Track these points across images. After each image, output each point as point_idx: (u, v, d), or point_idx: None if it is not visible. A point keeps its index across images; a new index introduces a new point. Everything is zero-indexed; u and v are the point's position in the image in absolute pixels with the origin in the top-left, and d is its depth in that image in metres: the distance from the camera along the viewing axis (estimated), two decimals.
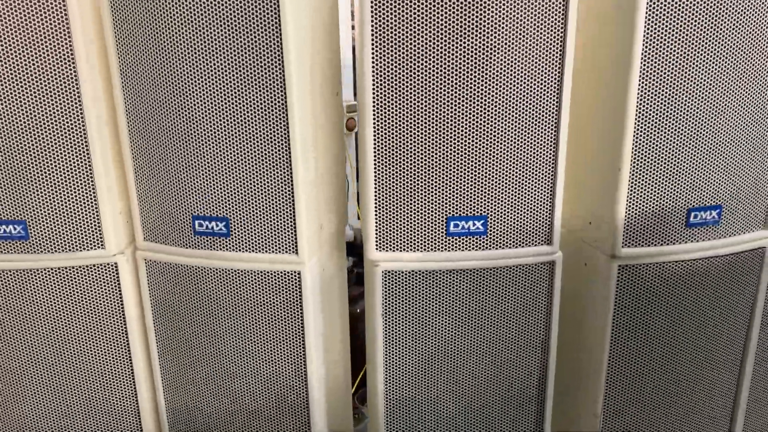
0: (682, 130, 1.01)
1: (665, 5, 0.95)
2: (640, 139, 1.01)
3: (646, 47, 0.97)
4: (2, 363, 1.15)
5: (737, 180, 1.07)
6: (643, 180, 1.03)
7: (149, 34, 0.97)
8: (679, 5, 0.95)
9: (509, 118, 1.00)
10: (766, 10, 0.98)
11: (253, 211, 1.04)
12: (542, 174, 1.04)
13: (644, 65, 0.97)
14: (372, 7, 0.94)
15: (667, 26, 0.96)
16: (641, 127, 1.01)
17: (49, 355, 1.14)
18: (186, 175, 1.04)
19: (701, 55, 0.98)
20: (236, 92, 0.98)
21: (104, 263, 1.10)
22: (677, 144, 1.02)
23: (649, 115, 1.00)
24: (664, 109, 1.00)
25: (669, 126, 1.01)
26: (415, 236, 1.06)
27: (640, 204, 1.05)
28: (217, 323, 1.12)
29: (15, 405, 1.18)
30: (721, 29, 0.97)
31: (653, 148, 1.02)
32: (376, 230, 1.06)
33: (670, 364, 1.15)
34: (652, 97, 0.99)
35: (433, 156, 1.01)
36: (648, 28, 0.96)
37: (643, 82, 0.98)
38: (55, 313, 1.12)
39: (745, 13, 0.97)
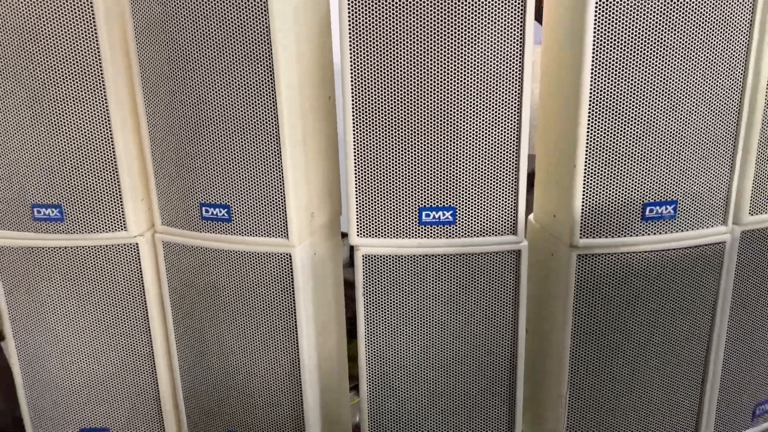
0: (634, 127, 1.11)
1: (613, 5, 1.05)
2: (594, 137, 1.11)
3: (596, 48, 1.06)
4: (37, 329, 1.34)
5: (693, 176, 1.16)
6: (598, 175, 1.13)
7: (163, 47, 1.14)
8: (626, 4, 1.05)
9: (474, 120, 1.12)
10: (713, 4, 1.07)
11: (250, 199, 1.19)
12: (506, 170, 1.15)
13: (595, 66, 1.07)
14: (350, 16, 1.08)
15: (615, 27, 1.06)
16: (594, 126, 1.10)
17: (76, 324, 1.33)
18: (194, 167, 1.20)
19: (650, 54, 1.07)
20: (235, 97, 1.13)
21: (126, 244, 1.28)
22: (630, 141, 1.11)
23: (602, 114, 1.10)
24: (616, 108, 1.10)
25: (621, 124, 1.10)
26: (391, 224, 1.19)
27: (595, 198, 1.14)
28: (221, 299, 1.27)
29: (45, 370, 1.37)
30: (668, 27, 1.06)
31: (606, 145, 1.11)
32: (357, 218, 1.19)
33: (631, 350, 1.24)
34: (603, 97, 1.09)
35: (406, 152, 1.14)
36: (597, 29, 1.06)
37: (594, 82, 1.08)
38: (84, 286, 1.30)
39: (692, 7, 1.06)
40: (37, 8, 1.13)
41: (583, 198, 1.14)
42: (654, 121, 1.11)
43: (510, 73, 1.10)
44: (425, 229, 1.19)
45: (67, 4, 1.12)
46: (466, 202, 1.17)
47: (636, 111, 1.10)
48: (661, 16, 1.05)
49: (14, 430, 2.33)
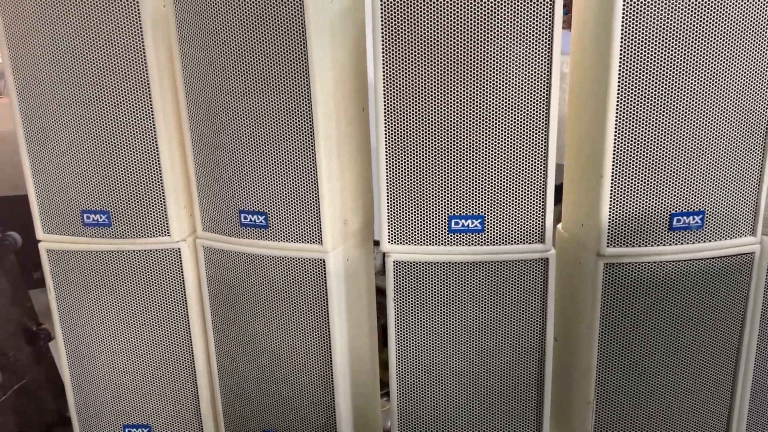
0: (662, 137, 1.13)
1: (640, 16, 1.07)
2: (621, 147, 1.13)
3: (623, 58, 1.09)
4: (85, 329, 1.42)
5: (721, 187, 1.17)
6: (625, 185, 1.15)
7: (205, 62, 1.21)
8: (654, 14, 1.07)
9: (502, 131, 1.15)
10: (744, 16, 1.09)
11: (286, 206, 1.25)
12: (533, 179, 1.18)
13: (622, 76, 1.10)
14: (383, 31, 1.13)
15: (643, 38, 1.08)
16: (621, 136, 1.13)
17: (122, 325, 1.39)
18: (234, 176, 1.26)
19: (677, 64, 1.09)
20: (273, 109, 1.19)
21: (170, 248, 1.34)
22: (658, 151, 1.13)
23: (629, 124, 1.12)
24: (644, 118, 1.12)
25: (649, 134, 1.13)
26: (421, 232, 1.23)
27: (623, 207, 1.17)
28: (258, 302, 1.33)
29: (92, 369, 1.44)
30: (697, 38, 1.08)
31: (634, 155, 1.14)
32: (388, 226, 1.23)
33: (658, 360, 1.25)
34: (630, 107, 1.11)
35: (436, 162, 1.18)
36: (624, 40, 1.08)
37: (621, 92, 1.11)
38: (129, 289, 1.37)
39: (723, 18, 1.08)
40: (89, 25, 1.21)
41: (611, 207, 1.17)
42: (681, 131, 1.13)
43: (538, 85, 1.14)
44: (454, 237, 1.22)
45: (116, 23, 1.20)
46: (494, 211, 1.20)
47: (663, 121, 1.12)
48: (689, 25, 1.07)
49: (61, 428, 2.42)
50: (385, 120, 1.18)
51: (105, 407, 1.46)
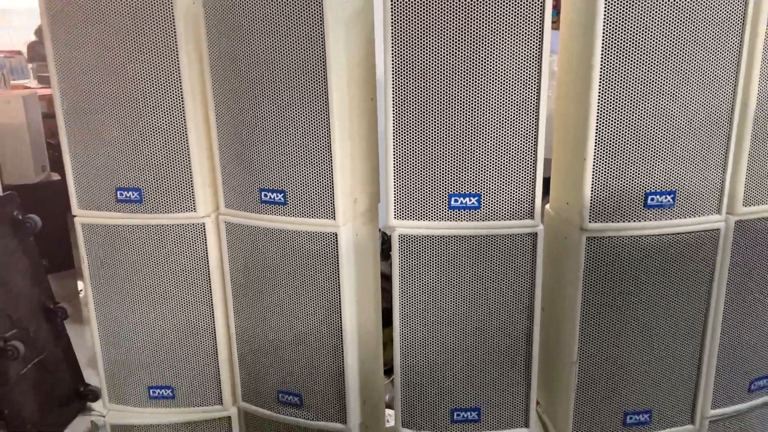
0: (638, 125, 1.28)
1: (620, 15, 1.22)
2: (602, 133, 1.28)
3: (605, 54, 1.24)
4: (115, 299, 1.55)
5: (690, 169, 1.32)
6: (605, 167, 1.30)
7: (230, 56, 1.35)
8: (632, 14, 1.22)
9: (497, 119, 1.30)
10: (711, 16, 1.24)
11: (303, 185, 1.39)
12: (525, 162, 1.33)
13: (603, 72, 1.25)
14: (392, 30, 1.27)
15: (621, 40, 1.23)
16: (602, 125, 1.28)
17: (149, 293, 1.53)
18: (255, 157, 1.40)
19: (653, 61, 1.24)
20: (292, 97, 1.33)
21: (195, 223, 1.48)
22: (634, 137, 1.28)
23: (609, 113, 1.27)
24: (622, 108, 1.27)
25: (626, 122, 1.28)
26: (424, 208, 1.37)
27: (603, 187, 1.31)
28: (275, 273, 1.47)
29: (120, 335, 1.57)
30: (668, 35, 1.23)
31: (613, 140, 1.29)
32: (395, 202, 1.38)
33: (635, 324, 1.40)
34: (610, 98, 1.26)
35: (438, 146, 1.32)
36: (605, 43, 1.23)
37: (602, 85, 1.25)
38: (157, 260, 1.50)
39: (692, 17, 1.23)
40: (126, 16, 1.34)
41: (593, 187, 1.31)
42: (655, 120, 1.28)
43: (529, 80, 1.28)
44: (454, 213, 1.37)
45: (151, 16, 1.34)
46: (489, 190, 1.34)
47: (639, 111, 1.27)
48: (662, 24, 1.22)
49: (77, 401, 2.55)
50: (393, 109, 1.32)
51: (132, 371, 1.60)
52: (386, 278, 1.64)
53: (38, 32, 7.51)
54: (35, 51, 7.55)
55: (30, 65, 7.43)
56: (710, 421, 1.54)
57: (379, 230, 1.77)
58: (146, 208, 1.47)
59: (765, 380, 1.57)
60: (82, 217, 1.50)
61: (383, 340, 1.77)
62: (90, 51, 1.38)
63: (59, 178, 3.98)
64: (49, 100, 5.25)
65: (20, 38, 7.67)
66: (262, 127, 1.37)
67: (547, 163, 1.43)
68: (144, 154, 1.43)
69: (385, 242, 2.44)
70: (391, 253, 1.41)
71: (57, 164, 4.23)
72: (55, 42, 1.40)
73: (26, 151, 3.66)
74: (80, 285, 3.89)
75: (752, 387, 1.57)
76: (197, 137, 1.42)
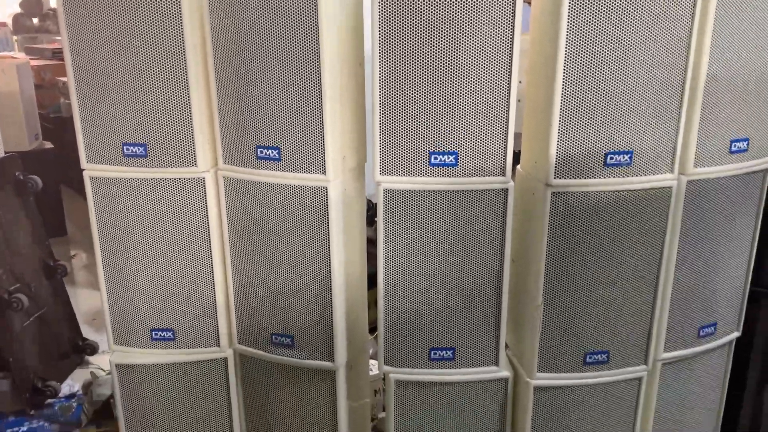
0: (598, 91, 1.42)
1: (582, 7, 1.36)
2: (566, 99, 1.42)
3: (570, 30, 1.37)
4: (121, 248, 1.68)
5: (646, 132, 1.47)
6: (569, 129, 1.45)
7: (229, 21, 1.47)
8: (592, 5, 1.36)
9: (474, 83, 1.43)
10: None
11: (297, 142, 1.52)
12: (498, 123, 1.47)
13: (568, 46, 1.39)
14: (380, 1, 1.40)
15: (583, 18, 1.37)
16: (567, 92, 1.42)
17: (153, 243, 1.66)
18: (252, 116, 1.53)
19: (612, 32, 1.38)
20: (287, 59, 1.46)
21: (196, 177, 1.60)
22: (595, 102, 1.43)
23: (572, 80, 1.41)
24: (583, 77, 1.41)
25: (588, 89, 1.42)
26: (407, 165, 1.51)
27: (567, 147, 1.46)
28: (270, 225, 1.60)
29: (125, 282, 1.70)
30: (624, 10, 1.37)
31: (576, 105, 1.43)
32: (380, 159, 1.51)
33: (595, 272, 1.56)
34: (574, 67, 1.40)
35: (420, 108, 1.46)
36: (570, 20, 1.37)
37: (568, 55, 1.39)
38: (161, 212, 1.63)
39: None
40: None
41: (558, 147, 1.46)
42: (614, 87, 1.42)
43: (503, 47, 1.42)
44: (433, 170, 1.51)
45: None
46: (466, 149, 1.48)
47: (599, 78, 1.41)
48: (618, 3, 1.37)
49: (75, 354, 2.69)
50: (380, 73, 1.45)
51: (135, 314, 1.73)
52: (372, 243, 1.77)
53: (23, 4, 7.50)
54: (20, 23, 7.53)
55: (15, 37, 7.41)
56: (663, 364, 1.71)
57: (366, 198, 1.91)
58: (151, 162, 1.59)
59: (712, 327, 1.74)
60: (91, 170, 1.62)
61: (368, 301, 1.91)
62: (98, 10, 1.49)
63: (52, 146, 4.07)
64: (37, 72, 5.30)
65: (4, 10, 7.63)
66: (259, 88, 1.50)
67: (517, 137, 1.57)
68: (149, 110, 1.55)
69: (371, 209, 2.58)
70: (377, 206, 1.55)
71: (47, 134, 4.32)
72: (66, 2, 1.51)
73: (20, 119, 3.74)
74: (72, 251, 4.00)
75: (701, 333, 1.73)
76: (198, 96, 1.54)
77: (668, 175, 1.53)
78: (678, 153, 1.52)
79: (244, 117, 1.54)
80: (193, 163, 1.59)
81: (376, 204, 1.57)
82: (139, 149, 1.59)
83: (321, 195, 1.55)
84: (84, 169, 1.63)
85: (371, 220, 2.60)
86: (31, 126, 3.91)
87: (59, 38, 6.81)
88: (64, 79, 5.00)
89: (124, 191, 1.63)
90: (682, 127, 1.50)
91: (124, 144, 1.59)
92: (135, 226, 1.65)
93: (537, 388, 1.64)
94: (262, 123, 1.53)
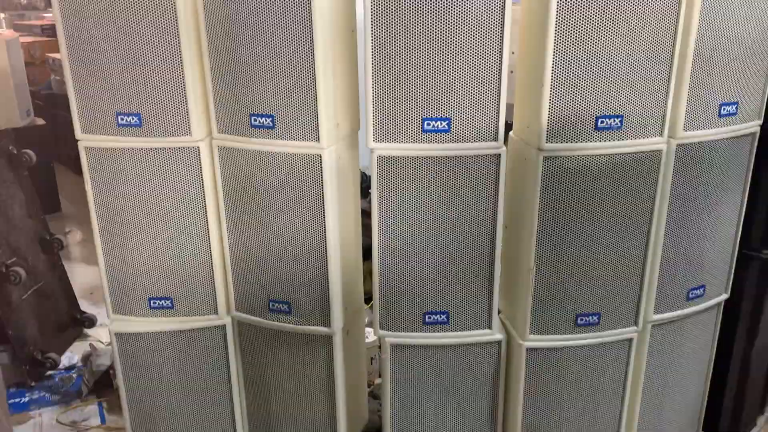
0: (589, 55, 1.43)
1: None
2: (558, 63, 1.44)
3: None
4: (117, 217, 1.69)
5: (636, 96, 1.49)
6: (560, 93, 1.46)
7: None
8: None
9: (467, 51, 1.44)
10: None
11: (290, 110, 1.53)
12: (491, 89, 1.48)
13: (558, 11, 1.40)
14: None
15: None
16: (558, 56, 1.43)
17: (149, 211, 1.67)
18: (245, 84, 1.53)
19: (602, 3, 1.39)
20: (280, 27, 1.46)
21: (191, 146, 1.61)
22: (586, 66, 1.44)
23: (563, 47, 1.42)
24: (574, 42, 1.42)
25: (579, 52, 1.43)
26: (400, 131, 1.52)
27: (558, 111, 1.48)
28: (265, 193, 1.62)
29: (122, 250, 1.72)
30: None
31: (567, 69, 1.44)
32: (374, 126, 1.53)
33: (586, 235, 1.58)
34: (564, 33, 1.41)
35: (413, 73, 1.47)
36: None
37: (559, 21, 1.40)
38: (156, 181, 1.64)
39: None
40: None
41: (549, 111, 1.47)
42: (605, 52, 1.43)
43: (494, 14, 1.43)
44: (427, 136, 1.52)
45: None
46: (459, 115, 1.50)
47: (590, 43, 1.42)
48: None
49: (73, 328, 2.71)
50: (373, 38, 1.45)
51: (133, 284, 1.75)
52: (367, 215, 1.79)
53: None
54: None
55: (2, 14, 7.32)
56: (652, 325, 1.75)
57: (360, 171, 1.93)
58: (145, 132, 1.60)
59: (701, 289, 1.78)
60: (85, 141, 1.63)
61: (363, 273, 1.94)
62: None
63: (44, 122, 4.05)
64: (26, 49, 5.25)
65: None
66: (251, 55, 1.50)
67: (509, 108, 1.58)
68: (142, 80, 1.55)
69: (364, 181, 2.59)
70: (370, 172, 1.57)
71: (39, 111, 4.29)
72: None
73: (11, 95, 3.71)
74: (67, 227, 4.01)
75: (690, 295, 1.77)
76: (192, 64, 1.55)
77: (658, 139, 1.55)
78: (668, 117, 1.53)
79: (237, 85, 1.55)
80: (188, 132, 1.60)
81: (369, 176, 1.58)
82: (133, 119, 1.60)
83: (315, 162, 1.56)
84: (78, 140, 1.64)
85: (365, 192, 2.62)
86: (23, 102, 3.88)
87: (48, 15, 6.74)
88: (54, 55, 4.96)
89: (119, 161, 1.64)
90: (672, 91, 1.51)
91: (118, 114, 1.59)
92: (131, 196, 1.66)
93: (529, 350, 1.67)
94: (256, 91, 1.53)
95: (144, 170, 1.64)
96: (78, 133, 1.63)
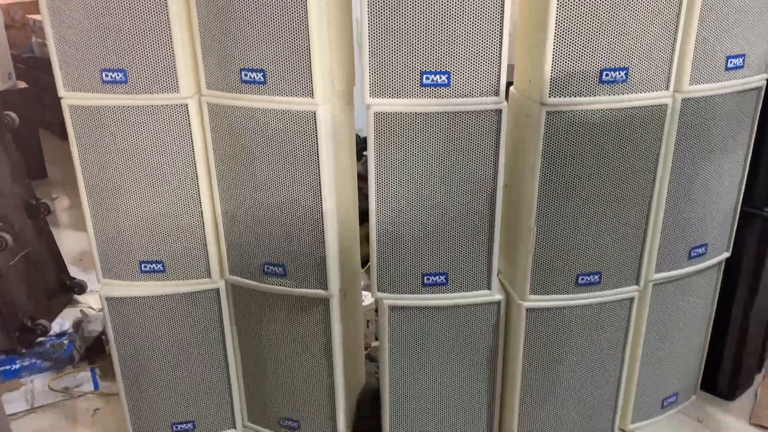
0: (593, 8, 1.37)
1: None
2: (561, 16, 1.38)
3: None
4: (104, 179, 1.63)
5: (642, 48, 1.43)
6: (564, 45, 1.40)
7: None
8: None
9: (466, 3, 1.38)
10: None
11: (282, 64, 1.46)
12: (492, 41, 1.42)
13: None
14: None
15: None
16: (562, 6, 1.37)
17: (137, 172, 1.61)
18: (235, 37, 1.46)
19: None
20: None
21: (179, 104, 1.55)
22: (591, 17, 1.38)
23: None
24: None
25: (582, 6, 1.37)
26: (397, 86, 1.46)
27: (562, 63, 1.42)
28: (259, 151, 1.56)
29: (110, 213, 1.66)
30: None
31: (571, 22, 1.38)
32: (369, 81, 1.47)
33: (588, 193, 1.54)
34: None
35: (410, 23, 1.40)
36: None
37: None
38: (143, 140, 1.58)
39: None
40: None
41: (553, 63, 1.42)
42: (609, 5, 1.37)
43: None
44: (425, 91, 1.46)
45: None
46: (458, 68, 1.44)
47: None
48: None
49: (62, 294, 2.66)
50: None
51: (123, 247, 1.70)
52: (362, 178, 1.74)
53: None
54: None
55: None
56: (654, 285, 1.72)
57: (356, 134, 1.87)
58: (131, 88, 1.53)
59: (703, 248, 1.75)
60: (69, 98, 1.56)
61: (360, 236, 1.89)
62: None
63: (26, 86, 3.94)
64: (6, 11, 5.09)
65: None
66: (241, 5, 1.43)
67: (510, 69, 1.52)
68: (127, 35, 1.48)
69: (359, 143, 2.53)
70: (365, 133, 1.52)
71: (21, 75, 4.17)
72: None
73: None
74: (54, 193, 3.93)
75: (692, 254, 1.74)
76: (179, 17, 1.47)
77: (664, 92, 1.50)
78: (674, 70, 1.48)
79: (226, 38, 1.48)
80: (175, 88, 1.53)
81: (364, 138, 1.53)
82: (118, 75, 1.53)
83: (309, 120, 1.50)
84: (61, 98, 1.57)
85: (359, 154, 2.56)
86: (3, 65, 3.75)
87: None
88: (35, 17, 4.80)
89: (104, 119, 1.57)
90: (678, 43, 1.46)
91: (102, 70, 1.52)
92: (118, 156, 1.60)
93: (529, 310, 1.64)
94: (246, 44, 1.47)
95: (131, 129, 1.57)
96: (60, 90, 1.56)
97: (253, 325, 1.79)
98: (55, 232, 2.74)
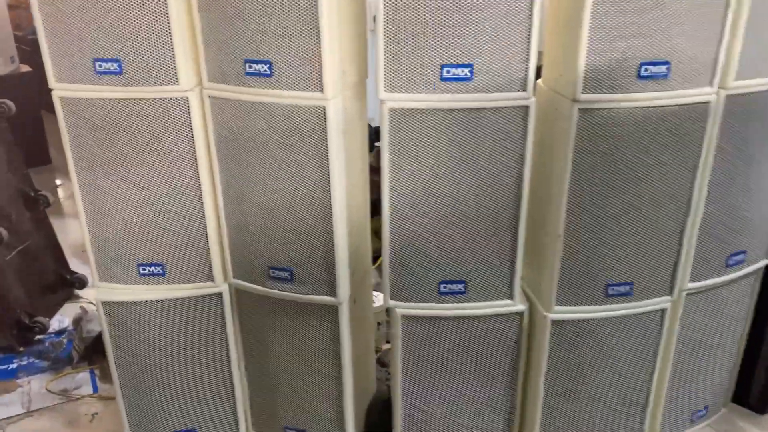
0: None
1: None
2: (597, 4, 1.25)
3: None
4: (99, 175, 1.52)
5: (686, 40, 1.30)
6: (600, 37, 1.27)
7: None
8: None
9: None
10: None
11: (290, 55, 1.34)
12: (520, 30, 1.29)
13: None
14: None
15: None
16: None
17: (134, 169, 1.50)
18: (239, 26, 1.34)
19: None
20: None
21: (178, 97, 1.43)
22: (630, 5, 1.25)
23: None
24: None
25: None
26: (415, 80, 1.34)
27: (597, 57, 1.29)
28: (263, 148, 1.44)
29: (106, 212, 1.56)
30: None
31: (609, 9, 1.25)
32: (385, 74, 1.34)
33: (622, 197, 1.42)
34: None
35: (430, 12, 1.28)
36: None
37: None
38: (141, 136, 1.46)
39: None
40: None
41: (587, 57, 1.29)
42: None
43: None
44: (445, 85, 1.34)
45: None
46: (483, 60, 1.31)
47: None
48: None
49: (62, 287, 2.58)
50: None
51: (121, 248, 1.59)
52: (374, 170, 1.62)
53: None
54: None
55: None
56: (687, 294, 1.60)
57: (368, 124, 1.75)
58: (127, 80, 1.42)
59: (742, 255, 1.63)
60: (60, 90, 1.45)
61: (371, 229, 1.78)
62: None
63: (30, 69, 3.84)
64: None
65: None
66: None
67: (540, 56, 1.40)
68: (122, 22, 1.36)
69: (371, 133, 2.41)
70: (380, 129, 1.40)
71: (25, 57, 4.07)
72: None
73: None
74: (58, 180, 3.85)
75: (729, 262, 1.62)
76: (177, 3, 1.35)
77: (707, 89, 1.36)
78: (720, 64, 1.35)
79: (230, 27, 1.36)
80: (175, 80, 1.41)
81: (377, 128, 1.40)
82: (112, 65, 1.41)
83: (318, 115, 1.38)
84: (52, 90, 1.46)
85: (371, 145, 2.44)
86: (6, 48, 3.66)
87: None
88: None
89: (98, 113, 1.45)
90: (726, 35, 1.32)
91: (95, 60, 1.40)
92: (113, 151, 1.49)
93: (555, 322, 1.53)
94: (251, 33, 1.34)
95: (127, 123, 1.45)
96: (51, 81, 1.45)
97: (257, 332, 1.69)
98: (58, 220, 2.65)
